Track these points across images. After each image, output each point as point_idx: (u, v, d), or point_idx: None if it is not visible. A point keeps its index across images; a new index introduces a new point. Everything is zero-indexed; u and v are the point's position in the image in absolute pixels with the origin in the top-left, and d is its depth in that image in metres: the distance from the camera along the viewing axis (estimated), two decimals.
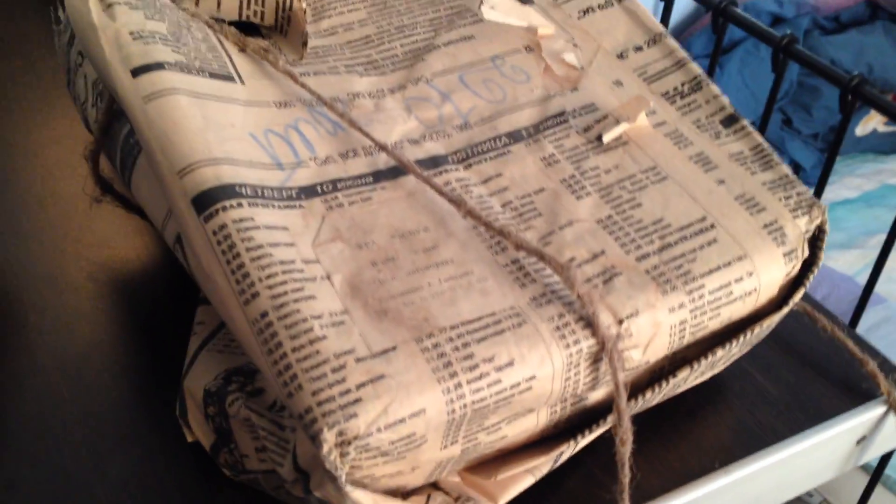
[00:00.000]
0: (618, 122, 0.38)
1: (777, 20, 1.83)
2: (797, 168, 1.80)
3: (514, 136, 0.38)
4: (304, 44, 0.39)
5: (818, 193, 0.95)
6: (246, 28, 0.40)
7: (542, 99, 0.39)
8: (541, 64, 0.41)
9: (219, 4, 0.39)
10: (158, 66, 0.33)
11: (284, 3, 0.39)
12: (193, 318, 0.38)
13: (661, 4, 1.22)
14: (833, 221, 1.71)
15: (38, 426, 0.38)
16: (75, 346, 0.42)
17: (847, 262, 1.59)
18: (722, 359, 0.36)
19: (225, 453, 0.34)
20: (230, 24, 0.39)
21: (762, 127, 1.09)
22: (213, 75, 0.35)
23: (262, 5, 0.39)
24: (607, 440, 0.33)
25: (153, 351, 0.42)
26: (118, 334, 0.43)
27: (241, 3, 0.39)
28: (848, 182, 1.83)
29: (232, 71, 0.36)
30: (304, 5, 0.39)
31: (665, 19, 1.23)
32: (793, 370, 0.43)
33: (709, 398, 0.41)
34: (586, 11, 0.44)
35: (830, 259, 1.61)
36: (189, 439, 0.36)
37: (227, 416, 0.33)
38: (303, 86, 0.36)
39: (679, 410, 0.40)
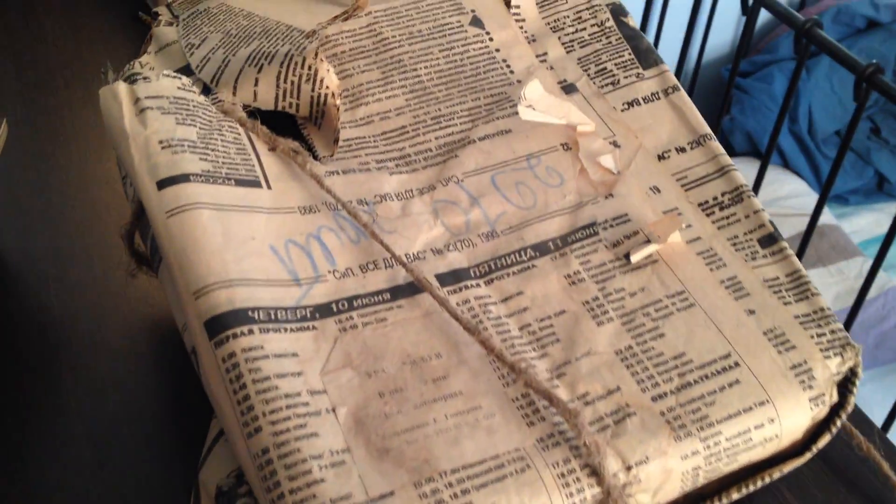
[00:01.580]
0: (648, 241, 0.37)
1: (872, 24, 1.75)
2: (882, 180, 1.73)
3: (541, 249, 0.37)
4: (336, 140, 0.39)
5: None
6: (282, 116, 0.40)
7: (573, 206, 0.39)
8: (577, 165, 0.40)
9: (255, 96, 0.39)
10: (184, 177, 0.34)
11: (319, 98, 0.39)
12: None
13: (744, 19, 1.17)
14: None
15: (65, 497, 0.40)
16: (107, 412, 0.43)
17: None
18: (739, 498, 0.35)
19: None
20: (264, 113, 0.39)
21: (844, 146, 1.04)
22: (238, 182, 0.35)
23: (298, 98, 0.39)
24: None
25: (180, 424, 0.43)
26: (149, 403, 0.44)
27: (276, 95, 0.39)
28: None
29: (259, 174, 0.36)
30: (337, 102, 0.39)
31: (748, 31, 1.18)
32: (824, 487, 0.42)
33: None
34: (631, 104, 0.43)
35: None
36: None
37: None
38: (328, 191, 0.36)
39: None
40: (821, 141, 1.70)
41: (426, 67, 0.43)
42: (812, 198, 1.54)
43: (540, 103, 0.41)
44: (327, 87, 0.39)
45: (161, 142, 0.34)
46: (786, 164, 1.66)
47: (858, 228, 1.69)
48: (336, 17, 0.40)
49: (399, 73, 0.43)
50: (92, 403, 0.43)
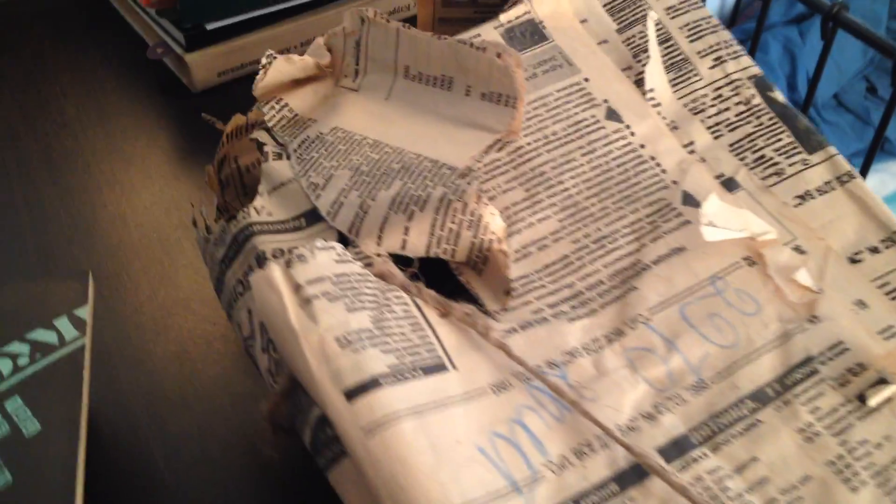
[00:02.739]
0: (882, 380, 0.33)
1: None
2: (882, 140, 1.71)
3: (760, 398, 0.33)
4: (508, 292, 0.34)
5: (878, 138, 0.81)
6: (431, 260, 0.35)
7: (780, 338, 0.34)
8: (768, 284, 0.36)
9: (404, 245, 0.34)
10: (374, 383, 0.29)
11: (482, 244, 0.34)
12: None
13: None
14: None
15: None
16: None
17: None
18: None
19: None
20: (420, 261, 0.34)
21: (879, 134, 0.99)
22: (426, 370, 0.30)
23: (455, 244, 0.34)
24: None
25: None
26: None
27: (429, 243, 0.34)
28: None
29: (441, 353, 0.31)
30: (504, 247, 0.34)
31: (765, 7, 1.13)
32: None
33: None
34: (803, 197, 0.39)
35: None
36: None
37: None
38: (519, 362, 0.32)
39: None
40: (821, 106, 1.68)
41: (572, 178, 0.38)
42: None
43: (719, 217, 0.36)
44: (493, 233, 0.34)
45: (338, 340, 0.29)
46: None
47: None
48: (490, 148, 0.35)
49: (545, 189, 0.38)
50: None
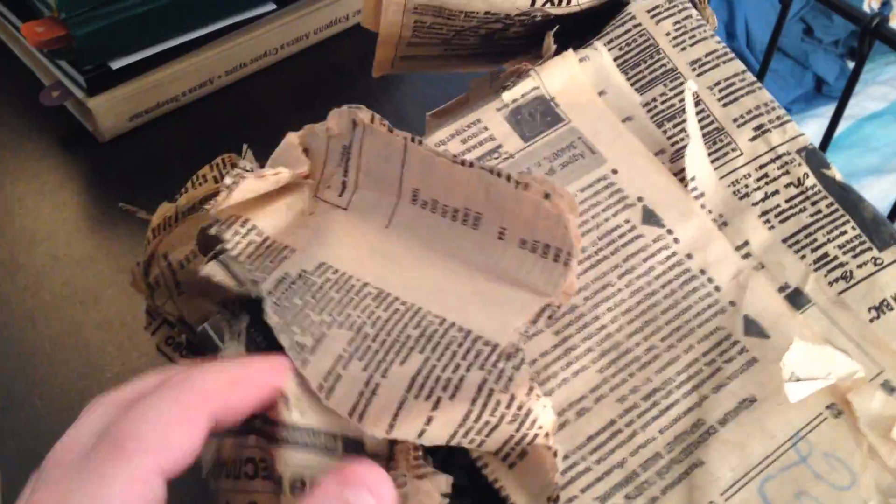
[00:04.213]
0: None
1: None
2: (820, 83, 1.68)
3: None
4: (553, 499, 0.26)
5: (838, 115, 0.75)
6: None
7: None
8: (861, 443, 0.29)
9: (422, 434, 0.26)
10: None
11: (523, 438, 0.26)
12: None
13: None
14: (862, 141, 1.60)
15: None
16: None
17: (882, 191, 1.49)
18: None
19: None
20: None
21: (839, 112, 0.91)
22: None
23: (487, 436, 0.26)
24: None
25: None
26: None
27: (455, 432, 0.26)
28: (872, 92, 1.71)
29: None
30: (551, 442, 0.26)
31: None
32: None
33: None
34: (879, 308, 0.32)
35: (864, 188, 1.51)
36: None
37: None
38: None
39: None
40: (759, 52, 1.63)
41: (609, 310, 0.31)
42: None
43: (802, 366, 0.29)
44: (540, 427, 0.26)
45: None
46: None
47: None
48: (538, 316, 0.27)
49: (578, 330, 0.30)
50: None
